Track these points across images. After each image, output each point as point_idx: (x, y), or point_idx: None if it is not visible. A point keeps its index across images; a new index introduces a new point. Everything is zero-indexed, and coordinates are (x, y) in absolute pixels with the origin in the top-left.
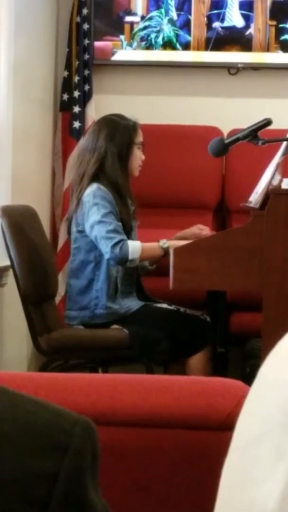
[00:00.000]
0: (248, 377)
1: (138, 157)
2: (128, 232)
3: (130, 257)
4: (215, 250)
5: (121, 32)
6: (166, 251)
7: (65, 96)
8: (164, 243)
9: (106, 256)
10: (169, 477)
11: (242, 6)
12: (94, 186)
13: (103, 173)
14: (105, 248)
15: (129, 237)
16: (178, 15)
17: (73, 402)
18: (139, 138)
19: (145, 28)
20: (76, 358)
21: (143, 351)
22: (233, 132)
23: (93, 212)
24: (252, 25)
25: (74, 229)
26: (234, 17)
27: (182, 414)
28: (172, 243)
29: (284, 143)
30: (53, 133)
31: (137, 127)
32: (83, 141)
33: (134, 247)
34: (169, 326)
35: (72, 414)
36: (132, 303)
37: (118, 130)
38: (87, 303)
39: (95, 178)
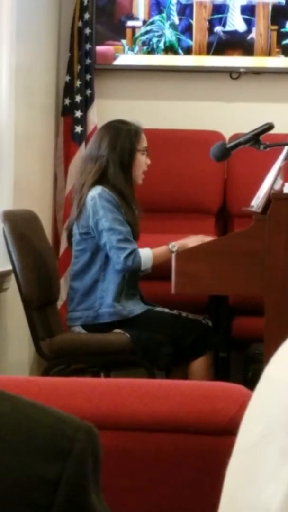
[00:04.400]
0: (250, 382)
1: (142, 163)
2: (135, 237)
3: (143, 268)
4: (217, 254)
5: (123, 36)
6: None
7: (67, 101)
8: (173, 246)
9: (118, 266)
10: (171, 481)
11: (243, 11)
12: (98, 189)
13: (106, 180)
14: (117, 258)
15: (137, 242)
16: (180, 20)
17: (75, 406)
18: (142, 143)
19: (146, 32)
20: (78, 362)
21: (145, 355)
22: (235, 136)
23: (101, 217)
24: (254, 30)
25: (76, 231)
26: (235, 22)
27: (184, 418)
28: (180, 244)
29: (286, 147)
30: (55, 138)
31: (140, 133)
32: (86, 149)
33: (146, 257)
34: (171, 330)
35: (75, 419)
36: (136, 307)
37: (120, 138)
38: (91, 303)
39: (97, 184)
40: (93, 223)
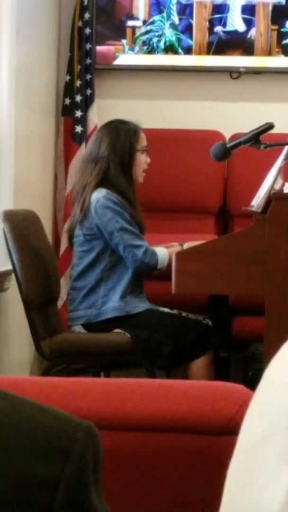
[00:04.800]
0: (251, 382)
1: (141, 163)
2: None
3: (159, 266)
4: (217, 254)
5: (123, 36)
6: None
7: (67, 101)
8: (187, 247)
9: (135, 264)
10: (171, 481)
11: (243, 11)
12: (103, 191)
13: (108, 181)
14: (133, 256)
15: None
16: (180, 20)
17: (75, 406)
18: (142, 142)
19: (147, 32)
20: (78, 362)
21: (145, 355)
22: (235, 136)
23: (110, 218)
24: (254, 29)
25: (79, 232)
26: (236, 22)
27: (184, 418)
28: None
29: (286, 147)
30: (55, 138)
31: (139, 132)
32: (85, 150)
33: (163, 255)
34: (172, 330)
35: (75, 419)
36: (141, 304)
37: (119, 138)
38: (94, 302)
39: (99, 186)
40: (101, 224)
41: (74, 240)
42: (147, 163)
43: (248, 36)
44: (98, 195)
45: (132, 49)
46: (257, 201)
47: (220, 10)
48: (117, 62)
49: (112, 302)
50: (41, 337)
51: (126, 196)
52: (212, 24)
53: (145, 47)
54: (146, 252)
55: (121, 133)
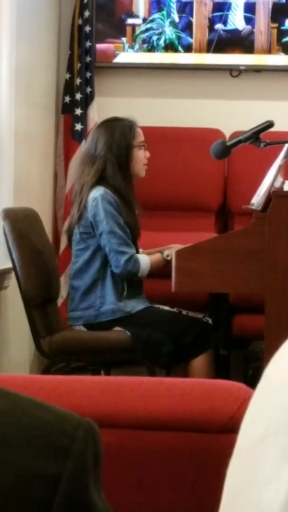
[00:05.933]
0: (251, 380)
1: (140, 158)
2: (135, 238)
3: (140, 274)
4: (217, 252)
5: (123, 34)
6: (169, 263)
7: (67, 99)
8: (167, 255)
9: (117, 270)
10: (171, 479)
11: (244, 9)
12: (100, 190)
13: (105, 181)
14: (116, 262)
15: (136, 243)
16: (180, 18)
17: (75, 404)
18: (138, 138)
19: (147, 30)
20: (78, 360)
21: (145, 353)
22: (235, 134)
23: (102, 219)
24: (254, 27)
25: (76, 230)
26: (237, 20)
27: (184, 416)
28: (172, 252)
29: (286, 145)
30: (55, 136)
31: (134, 128)
32: (83, 150)
33: (145, 264)
34: (172, 328)
35: (75, 416)
36: (139, 304)
37: (115, 137)
38: (92, 302)
39: (97, 185)
40: (94, 223)
41: (72, 238)
42: (147, 158)
43: (248, 34)
44: (96, 194)
45: (132, 47)
46: (257, 199)
47: (220, 8)
48: (117, 60)
49: (110, 304)
50: (41, 335)
51: (124, 196)
52: (212, 22)
53: (145, 45)
54: (129, 259)
55: (117, 131)
